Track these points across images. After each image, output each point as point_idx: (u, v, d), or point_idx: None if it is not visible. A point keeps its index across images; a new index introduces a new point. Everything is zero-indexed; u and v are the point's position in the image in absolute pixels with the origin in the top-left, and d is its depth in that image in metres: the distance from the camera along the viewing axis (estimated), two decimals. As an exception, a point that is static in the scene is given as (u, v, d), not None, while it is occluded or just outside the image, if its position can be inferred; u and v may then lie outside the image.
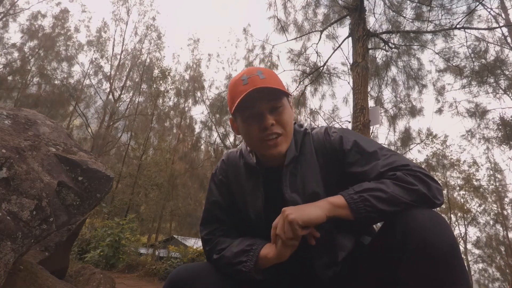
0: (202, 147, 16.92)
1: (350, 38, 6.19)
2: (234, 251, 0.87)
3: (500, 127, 9.98)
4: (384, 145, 0.92)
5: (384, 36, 6.35)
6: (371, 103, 6.90)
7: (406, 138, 9.41)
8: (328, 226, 0.83)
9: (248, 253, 0.85)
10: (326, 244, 0.86)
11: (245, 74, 0.91)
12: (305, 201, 0.88)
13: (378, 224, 0.86)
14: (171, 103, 17.79)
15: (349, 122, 6.67)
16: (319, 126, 1.06)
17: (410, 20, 6.48)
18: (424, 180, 0.77)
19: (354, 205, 0.75)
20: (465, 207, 17.48)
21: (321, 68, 7.45)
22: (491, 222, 17.27)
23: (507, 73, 7.77)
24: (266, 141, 0.89)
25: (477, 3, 5.76)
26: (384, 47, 6.62)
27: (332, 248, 0.88)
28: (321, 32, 7.04)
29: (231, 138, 14.49)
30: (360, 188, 0.78)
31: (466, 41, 6.54)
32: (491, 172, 16.59)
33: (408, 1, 6.45)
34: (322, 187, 0.90)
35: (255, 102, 0.88)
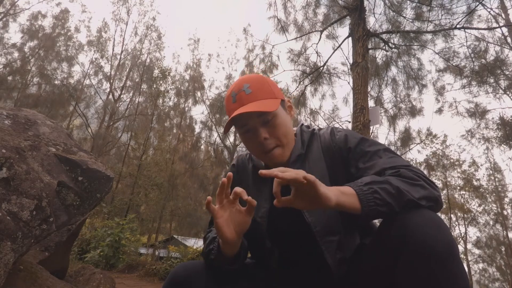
0: (202, 147, 16.95)
1: (350, 38, 6.19)
2: (207, 243, 0.91)
3: (500, 127, 9.99)
4: (388, 147, 0.93)
5: (384, 36, 6.34)
6: (371, 103, 6.90)
7: (406, 138, 9.41)
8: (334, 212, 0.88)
9: (214, 240, 0.88)
10: (338, 241, 0.88)
11: (233, 91, 0.92)
12: None
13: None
14: (171, 103, 17.83)
15: (349, 122, 6.67)
16: (326, 126, 1.08)
17: (410, 20, 6.47)
18: (426, 180, 0.78)
19: (364, 196, 0.72)
20: (465, 207, 17.48)
21: (321, 68, 7.44)
22: (491, 222, 17.29)
23: (507, 73, 7.77)
24: (264, 153, 0.92)
25: (477, 3, 5.76)
26: (384, 47, 6.62)
27: (344, 244, 0.89)
28: (321, 32, 7.03)
29: (231, 138, 14.50)
30: (368, 180, 0.75)
31: (466, 41, 6.53)
32: (491, 172, 16.63)
33: (408, 1, 6.44)
34: (329, 183, 0.90)
35: (247, 120, 0.91)
